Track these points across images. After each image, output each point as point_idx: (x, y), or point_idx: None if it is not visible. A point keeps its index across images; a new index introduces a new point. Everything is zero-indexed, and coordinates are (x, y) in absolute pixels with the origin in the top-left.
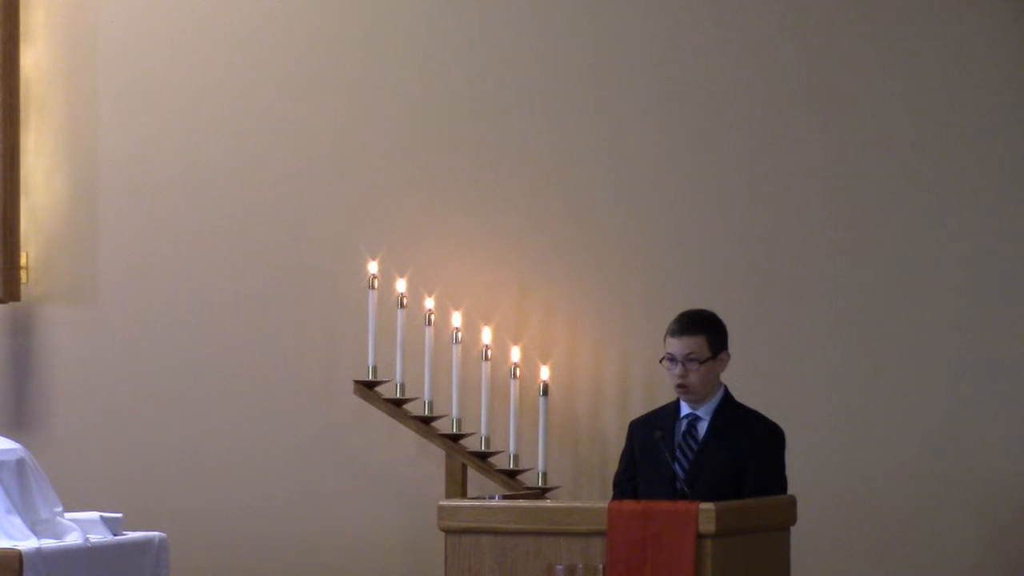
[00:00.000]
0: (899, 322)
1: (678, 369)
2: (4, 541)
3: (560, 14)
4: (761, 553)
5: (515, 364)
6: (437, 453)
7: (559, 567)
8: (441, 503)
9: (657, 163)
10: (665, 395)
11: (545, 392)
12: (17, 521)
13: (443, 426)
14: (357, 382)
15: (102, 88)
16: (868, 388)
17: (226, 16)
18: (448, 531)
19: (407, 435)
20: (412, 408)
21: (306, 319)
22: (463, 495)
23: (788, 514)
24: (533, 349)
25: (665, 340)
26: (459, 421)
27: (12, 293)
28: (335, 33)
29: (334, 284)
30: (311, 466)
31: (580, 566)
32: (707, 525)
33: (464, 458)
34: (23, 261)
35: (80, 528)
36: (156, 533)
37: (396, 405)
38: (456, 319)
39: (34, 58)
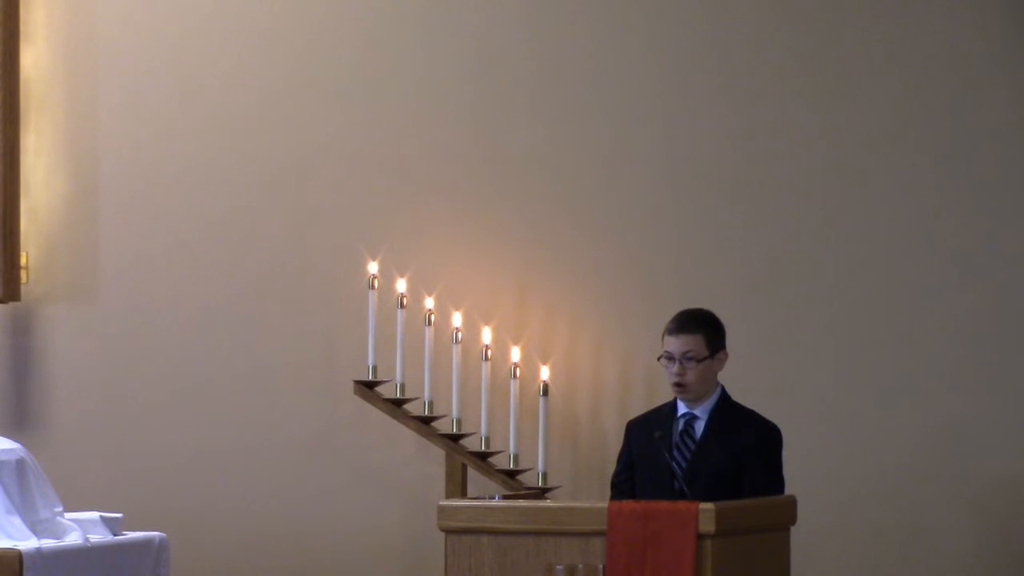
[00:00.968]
0: (898, 322)
1: (675, 367)
2: (4, 541)
3: (560, 15)
4: (761, 553)
5: (515, 364)
6: (437, 453)
7: (559, 567)
8: (441, 503)
9: (657, 163)
10: (665, 395)
11: (545, 392)
12: (17, 521)
13: (443, 426)
14: (357, 382)
15: (102, 88)
16: (867, 388)
17: (226, 16)
18: (448, 531)
19: (407, 435)
20: (412, 408)
21: (306, 319)
22: (463, 495)
23: (788, 514)
24: (533, 349)
25: (663, 338)
26: (459, 421)
27: (12, 293)
28: (336, 33)
29: (334, 284)
30: (311, 466)
31: (580, 566)
32: (707, 525)
33: (464, 458)
34: (23, 261)
35: (80, 528)
36: (156, 533)
37: (396, 405)
38: (456, 319)
39: (34, 58)
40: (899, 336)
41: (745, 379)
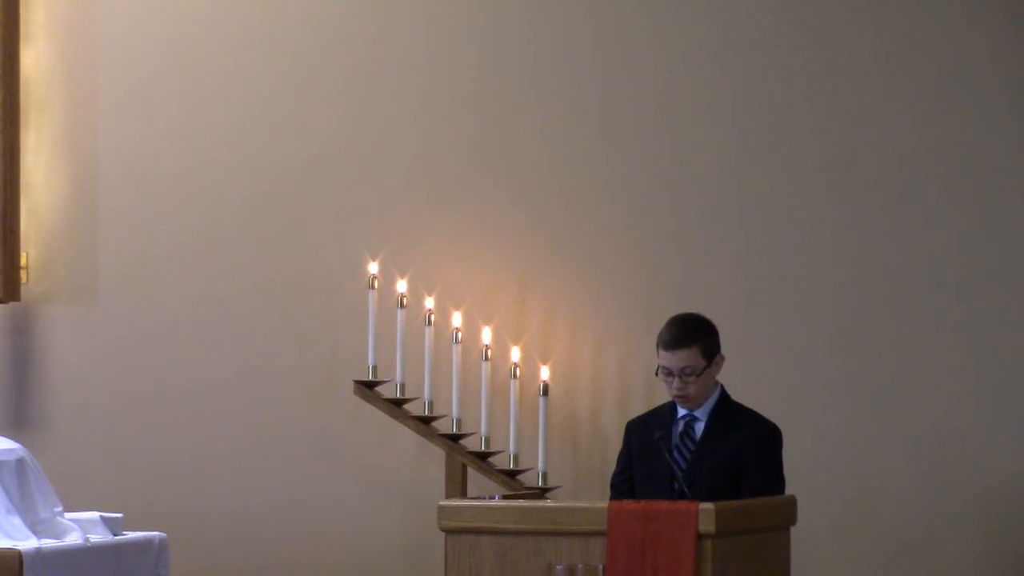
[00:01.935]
0: (898, 323)
1: (676, 382)
2: (4, 541)
3: (560, 14)
4: (761, 553)
5: (515, 364)
6: (437, 453)
7: (559, 567)
8: (441, 503)
9: (657, 163)
10: (665, 395)
11: (545, 392)
12: (17, 521)
13: (443, 426)
14: (357, 382)
15: (102, 88)
16: (867, 388)
17: (226, 16)
18: (448, 531)
19: (407, 435)
20: (412, 408)
21: (306, 319)
22: (463, 495)
23: (788, 514)
24: (533, 349)
25: (657, 351)
26: (459, 421)
27: (12, 293)
28: (336, 32)
29: (334, 284)
30: (311, 466)
31: (580, 566)
32: (707, 525)
33: (464, 458)
34: (23, 261)
35: (80, 528)
36: (156, 533)
37: (396, 405)
38: (456, 319)
39: (34, 58)
40: (899, 336)
41: (745, 379)
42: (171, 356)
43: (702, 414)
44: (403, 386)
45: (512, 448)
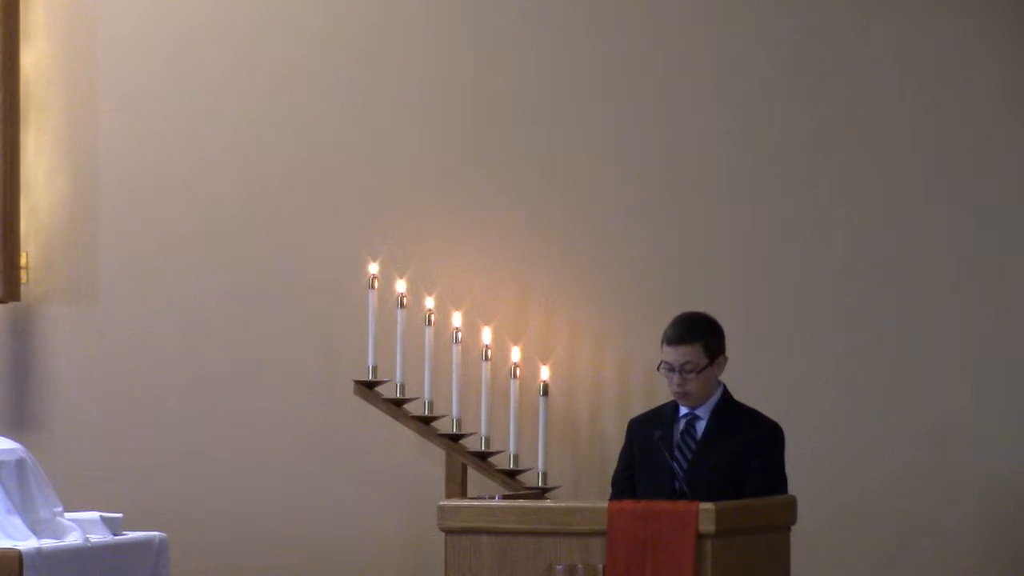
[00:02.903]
0: (898, 322)
1: (676, 378)
2: (4, 541)
3: (560, 15)
4: (761, 553)
5: (515, 364)
6: (437, 453)
7: (559, 567)
8: (441, 503)
9: (657, 164)
10: (665, 395)
11: (545, 392)
12: (17, 521)
13: (443, 426)
14: (357, 382)
15: (102, 88)
16: (867, 388)
17: (226, 16)
18: (448, 531)
19: (407, 435)
20: (412, 408)
21: (306, 319)
22: (463, 495)
23: (788, 514)
24: (533, 349)
25: (661, 347)
26: (459, 421)
27: (12, 293)
28: (336, 33)
29: (334, 284)
30: (311, 466)
31: (580, 566)
32: (707, 525)
33: (464, 458)
34: (23, 261)
35: (80, 528)
36: (156, 533)
37: (396, 405)
38: (456, 319)
39: (34, 58)
40: (899, 336)
41: (746, 379)
42: (171, 356)
43: (704, 413)
44: (403, 386)
45: (512, 448)
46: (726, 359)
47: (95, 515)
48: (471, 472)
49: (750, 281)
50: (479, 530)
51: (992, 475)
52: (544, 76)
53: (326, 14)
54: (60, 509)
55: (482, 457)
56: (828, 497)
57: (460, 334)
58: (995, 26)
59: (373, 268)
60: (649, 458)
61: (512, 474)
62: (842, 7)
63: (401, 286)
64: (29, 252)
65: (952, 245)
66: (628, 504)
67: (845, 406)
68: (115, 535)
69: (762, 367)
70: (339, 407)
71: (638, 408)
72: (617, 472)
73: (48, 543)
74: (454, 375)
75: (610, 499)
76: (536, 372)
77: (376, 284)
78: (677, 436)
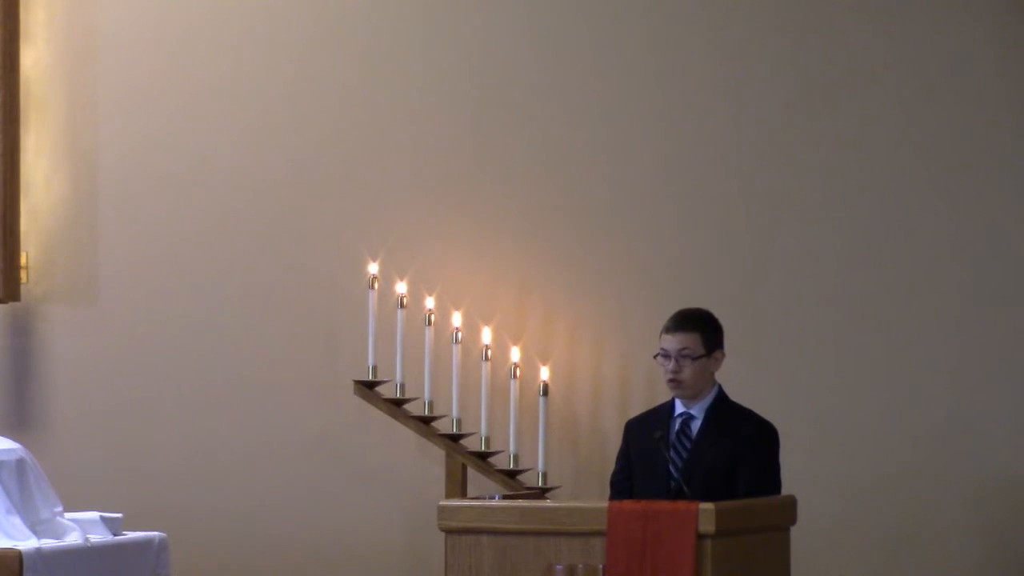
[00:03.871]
0: (897, 322)
1: (671, 364)
2: (4, 541)
3: (560, 15)
4: (761, 553)
5: (515, 364)
6: (437, 453)
7: (559, 567)
8: (441, 503)
9: (657, 164)
10: (664, 395)
11: (545, 392)
12: (17, 521)
13: (443, 426)
14: (357, 382)
15: (102, 88)
16: (867, 388)
17: (226, 16)
18: (448, 531)
19: (407, 435)
20: (412, 408)
21: (306, 319)
22: (463, 495)
23: (788, 514)
24: (533, 349)
25: (660, 337)
26: (459, 421)
27: (12, 293)
28: (336, 33)
29: (334, 284)
30: (311, 466)
31: (580, 566)
32: (707, 525)
33: (464, 458)
34: (23, 261)
35: (80, 528)
36: (156, 533)
37: (396, 405)
38: (456, 319)
39: (34, 58)
40: (899, 336)
41: (746, 379)
42: (171, 356)
43: (699, 412)
44: (403, 386)
45: (512, 448)
46: (723, 355)
47: (95, 515)
48: (471, 472)
49: (750, 281)
50: (479, 530)
51: (992, 475)
52: (544, 76)
53: (326, 14)
54: (60, 509)
55: (482, 457)
56: (828, 497)
57: (460, 334)
58: (998, 28)
59: (373, 268)
60: (646, 458)
61: (512, 474)
62: (845, 9)
63: (401, 286)
64: (29, 252)
65: (952, 247)
66: (628, 504)
67: (844, 406)
68: (115, 535)
69: (761, 367)
70: (339, 407)
71: (638, 408)
72: (615, 473)
73: (48, 543)
74: (454, 375)
75: (609, 500)
76: (536, 372)
77: (376, 284)
78: (672, 436)
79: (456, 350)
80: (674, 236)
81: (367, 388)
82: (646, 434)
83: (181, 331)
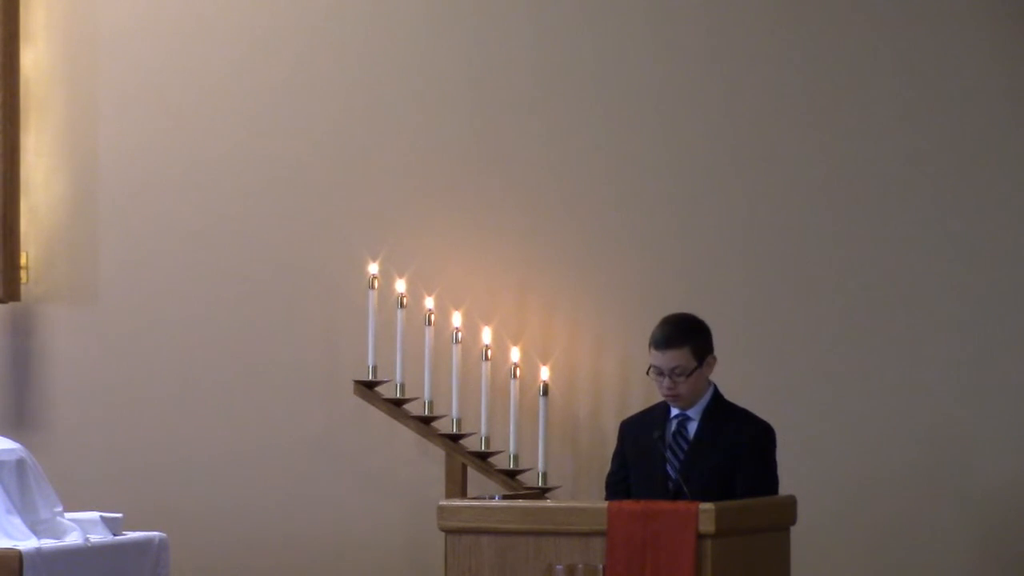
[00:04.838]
0: (896, 322)
1: (667, 382)
2: (4, 541)
3: (560, 16)
4: (761, 553)
5: (515, 364)
6: (437, 453)
7: (559, 567)
8: (441, 503)
9: (657, 164)
10: None
11: (545, 392)
12: (17, 521)
13: (443, 426)
14: (357, 382)
15: (102, 88)
16: (866, 388)
17: (226, 16)
18: (448, 531)
19: (407, 435)
20: (412, 408)
21: (306, 319)
22: (463, 495)
23: (788, 514)
24: (533, 349)
25: (649, 350)
26: (459, 421)
27: (12, 293)
28: (336, 33)
29: (334, 284)
30: (311, 466)
31: (580, 566)
32: (707, 525)
33: (464, 458)
34: (23, 261)
35: (80, 528)
36: (156, 533)
37: (396, 405)
38: (456, 319)
39: (34, 58)
40: (899, 336)
41: (745, 379)
42: (171, 356)
43: (695, 414)
44: (403, 386)
45: (512, 448)
46: (715, 359)
47: (95, 515)
48: (471, 472)
49: (748, 281)
50: (479, 530)
51: (992, 476)
52: (544, 76)
53: (326, 14)
54: (60, 509)
55: (482, 457)
56: (828, 497)
57: (460, 334)
58: (998, 28)
59: (373, 268)
60: (643, 459)
61: (512, 474)
62: (844, 7)
63: (401, 286)
64: (29, 252)
65: (950, 246)
66: (628, 504)
67: (844, 406)
68: (115, 535)
69: (761, 367)
70: (339, 407)
71: (638, 408)
72: (611, 474)
73: (48, 543)
74: (454, 375)
75: (606, 500)
76: (536, 372)
77: (376, 284)
78: (669, 437)
79: (456, 350)
80: (674, 236)
81: (367, 388)
82: (642, 434)
83: (181, 331)
